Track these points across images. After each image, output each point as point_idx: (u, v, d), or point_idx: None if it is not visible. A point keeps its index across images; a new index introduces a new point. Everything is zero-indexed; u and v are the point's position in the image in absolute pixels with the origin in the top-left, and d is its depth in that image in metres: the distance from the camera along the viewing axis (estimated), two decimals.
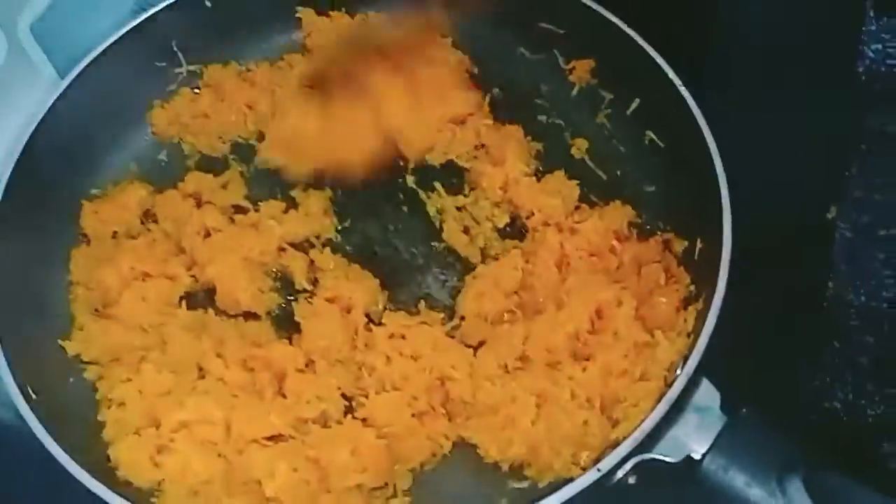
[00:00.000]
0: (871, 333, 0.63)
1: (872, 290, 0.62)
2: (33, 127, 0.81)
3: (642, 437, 0.61)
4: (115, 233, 0.84)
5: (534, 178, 0.84)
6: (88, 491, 0.63)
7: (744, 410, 0.61)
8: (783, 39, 0.81)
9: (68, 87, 0.84)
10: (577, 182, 0.84)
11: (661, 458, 0.62)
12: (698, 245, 0.77)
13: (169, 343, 0.75)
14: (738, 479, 0.59)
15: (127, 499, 0.63)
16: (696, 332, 0.68)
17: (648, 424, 0.62)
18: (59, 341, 0.76)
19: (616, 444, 0.63)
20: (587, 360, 0.71)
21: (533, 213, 0.82)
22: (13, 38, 0.81)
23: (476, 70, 0.93)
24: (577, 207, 0.82)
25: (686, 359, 0.66)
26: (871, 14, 0.54)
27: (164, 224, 0.84)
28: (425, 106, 0.84)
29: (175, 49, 0.92)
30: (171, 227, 0.83)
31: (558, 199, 0.82)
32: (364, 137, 0.82)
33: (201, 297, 0.80)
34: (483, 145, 0.87)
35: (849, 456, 0.66)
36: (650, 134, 0.86)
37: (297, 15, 0.96)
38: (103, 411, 0.73)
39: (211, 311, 0.79)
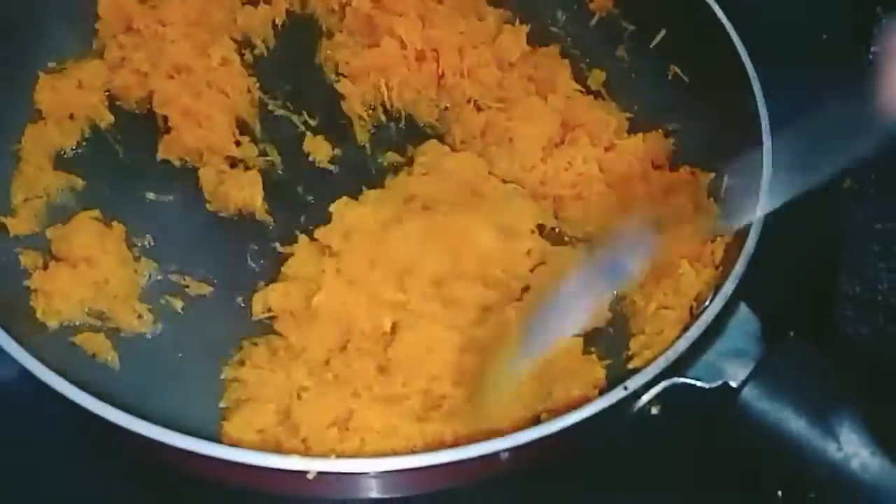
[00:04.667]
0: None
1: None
2: None
3: (674, 358, 0.54)
4: (72, 115, 0.75)
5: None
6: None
7: (791, 334, 0.53)
8: None
9: None
10: None
11: (693, 382, 0.55)
12: (726, 179, 0.70)
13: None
14: (782, 411, 0.51)
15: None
16: (730, 260, 0.62)
17: (681, 345, 0.55)
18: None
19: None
20: None
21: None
22: None
23: None
24: None
25: (718, 288, 0.59)
26: None
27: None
28: None
29: None
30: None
31: (611, 116, 0.77)
32: None
33: None
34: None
35: None
36: (675, 68, 0.79)
37: None
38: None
39: None
